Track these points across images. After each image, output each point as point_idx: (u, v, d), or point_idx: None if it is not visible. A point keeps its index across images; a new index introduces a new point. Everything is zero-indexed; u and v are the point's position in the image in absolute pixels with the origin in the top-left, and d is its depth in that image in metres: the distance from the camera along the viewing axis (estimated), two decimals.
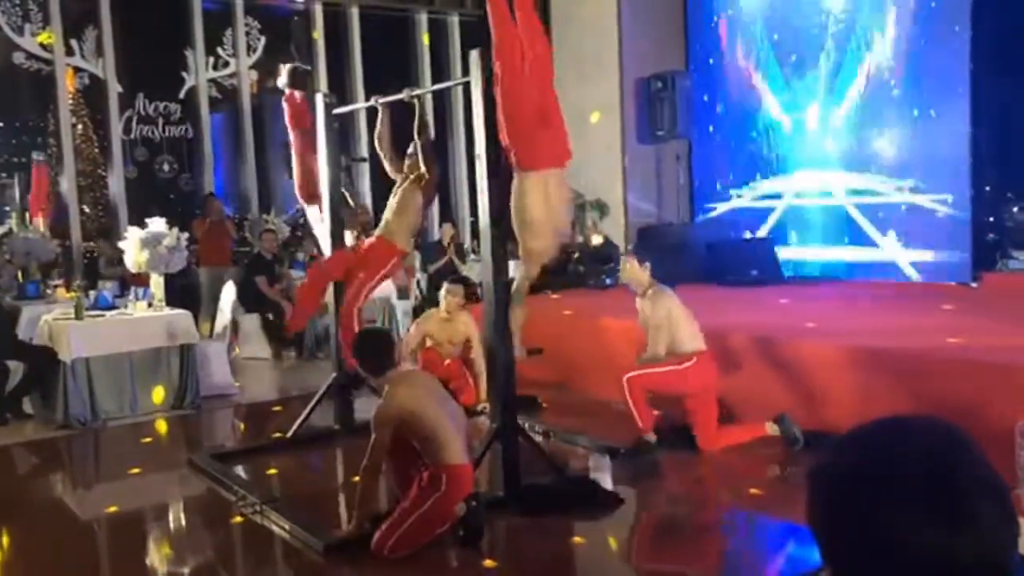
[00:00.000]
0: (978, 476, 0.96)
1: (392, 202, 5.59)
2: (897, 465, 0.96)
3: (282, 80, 5.94)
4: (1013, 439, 3.25)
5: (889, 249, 8.67)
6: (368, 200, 11.67)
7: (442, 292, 6.49)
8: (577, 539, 4.14)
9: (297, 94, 5.94)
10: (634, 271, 5.21)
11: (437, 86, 7.86)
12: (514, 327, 4.46)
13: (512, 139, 4.28)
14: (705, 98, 10.39)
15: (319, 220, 6.03)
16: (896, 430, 1.01)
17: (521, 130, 4.27)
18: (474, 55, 4.53)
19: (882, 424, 1.03)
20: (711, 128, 10.43)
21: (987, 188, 7.95)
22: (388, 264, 5.59)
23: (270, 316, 8.99)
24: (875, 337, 5.49)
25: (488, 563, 3.80)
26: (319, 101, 5.99)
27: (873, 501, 0.95)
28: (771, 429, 5.05)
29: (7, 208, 11.15)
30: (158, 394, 6.82)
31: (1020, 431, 1.63)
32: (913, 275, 8.45)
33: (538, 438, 5.36)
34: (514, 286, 4.54)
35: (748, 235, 9.93)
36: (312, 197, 6.00)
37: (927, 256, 8.36)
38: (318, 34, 11.67)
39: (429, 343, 6.53)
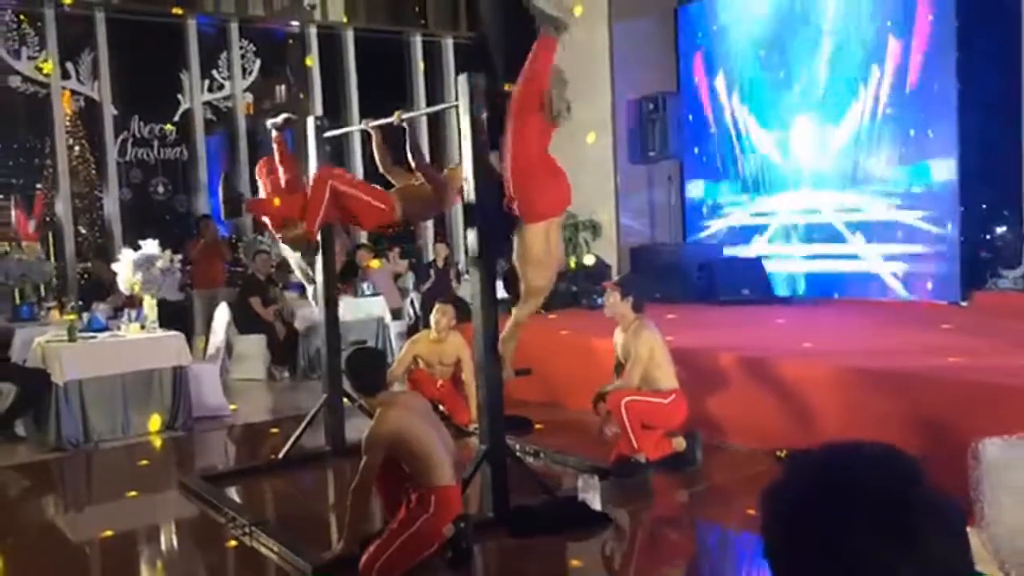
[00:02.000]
0: (927, 502, 0.98)
1: None
2: (849, 491, 0.98)
3: (274, 122, 6.03)
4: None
5: (879, 268, 8.72)
6: None
7: (432, 313, 6.52)
8: (567, 561, 4.15)
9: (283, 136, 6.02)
10: (616, 305, 5.26)
11: (427, 110, 7.93)
12: (505, 354, 4.52)
13: (517, 193, 4.35)
14: (694, 119, 10.46)
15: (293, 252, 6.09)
16: (847, 455, 1.03)
17: (526, 185, 4.35)
18: (462, 79, 4.58)
19: (834, 449, 1.05)
20: (703, 148, 10.50)
21: (977, 208, 8.00)
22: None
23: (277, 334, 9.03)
24: (865, 357, 5.51)
25: None
26: (310, 124, 6.04)
27: (824, 526, 0.97)
28: (678, 444, 5.20)
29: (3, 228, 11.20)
30: (151, 416, 6.82)
31: (972, 453, 1.67)
32: (903, 294, 8.49)
33: (529, 458, 5.39)
34: (513, 320, 4.59)
35: (739, 254, 9.98)
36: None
37: (917, 275, 8.41)
38: (312, 58, 11.76)
39: (421, 364, 6.55)
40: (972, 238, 8.00)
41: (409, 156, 5.35)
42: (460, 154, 4.76)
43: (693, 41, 10.54)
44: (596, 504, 4.45)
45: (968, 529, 1.03)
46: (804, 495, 1.01)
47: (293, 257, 6.15)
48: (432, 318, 6.50)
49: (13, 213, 11.40)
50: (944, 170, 8.05)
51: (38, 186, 10.91)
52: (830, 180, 9.14)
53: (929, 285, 8.29)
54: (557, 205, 4.54)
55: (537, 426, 6.35)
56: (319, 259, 5.90)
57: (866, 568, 0.94)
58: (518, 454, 4.93)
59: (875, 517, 0.95)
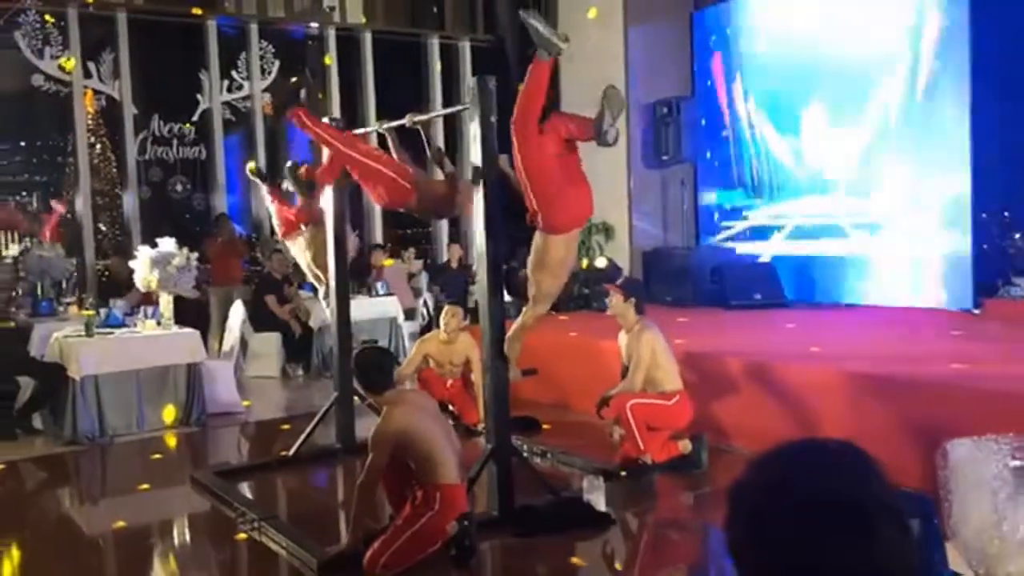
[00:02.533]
0: (882, 500, 1.01)
1: None
2: (808, 489, 1.01)
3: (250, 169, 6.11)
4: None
5: (891, 275, 8.70)
6: (378, 224, 11.82)
7: (442, 315, 6.58)
8: (570, 559, 4.19)
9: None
10: (619, 306, 5.31)
11: (440, 112, 7.98)
12: (511, 355, 4.57)
13: (540, 208, 4.39)
14: (708, 123, 10.47)
15: (303, 251, 6.16)
16: (808, 453, 1.07)
17: (548, 200, 4.38)
18: (474, 82, 4.63)
19: (795, 447, 1.08)
20: (716, 153, 10.51)
21: (990, 215, 7.97)
22: None
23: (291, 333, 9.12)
24: (873, 362, 5.52)
25: None
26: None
27: (783, 524, 1.00)
28: (684, 447, 5.25)
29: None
30: (165, 411, 6.92)
31: (940, 453, 1.70)
32: (916, 301, 8.47)
33: (535, 459, 5.44)
34: (520, 323, 4.63)
35: (752, 259, 9.98)
36: (292, 231, 6.14)
37: (929, 282, 8.39)
38: (331, 58, 11.85)
39: (431, 364, 6.61)
40: (985, 245, 7.97)
41: (430, 155, 5.40)
42: (468, 158, 4.81)
43: (708, 45, 10.55)
44: (601, 505, 4.50)
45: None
46: (765, 492, 1.04)
47: (304, 259, 6.23)
48: (441, 319, 6.56)
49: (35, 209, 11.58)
50: (957, 177, 8.02)
51: (53, 191, 11.07)
52: (843, 186, 9.13)
53: (941, 292, 8.26)
54: (581, 217, 4.58)
55: (544, 426, 6.40)
56: (331, 259, 5.98)
57: (825, 564, 0.97)
58: (524, 454, 4.98)
59: (833, 515, 0.98)
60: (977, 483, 1.64)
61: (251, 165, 6.23)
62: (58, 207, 10.00)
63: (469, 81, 4.63)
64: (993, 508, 1.61)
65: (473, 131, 4.53)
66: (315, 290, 9.06)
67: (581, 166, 4.53)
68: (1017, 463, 1.70)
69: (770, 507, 1.02)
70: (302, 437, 5.82)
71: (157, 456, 6.38)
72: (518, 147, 4.33)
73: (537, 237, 4.53)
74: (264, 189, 6.39)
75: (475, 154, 4.58)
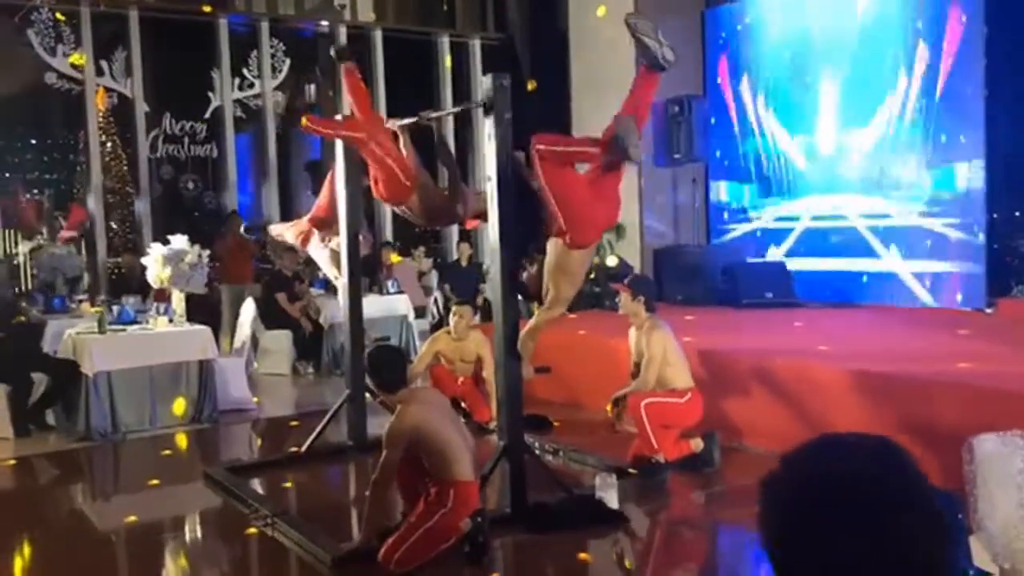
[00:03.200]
0: (917, 496, 1.01)
1: None
2: (843, 483, 1.01)
3: (338, 50, 6.00)
4: None
5: (904, 274, 8.67)
6: (388, 222, 11.84)
7: (451, 315, 6.58)
8: (582, 556, 4.19)
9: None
10: (628, 305, 5.31)
11: (452, 109, 8.03)
12: (524, 354, 4.57)
13: (570, 228, 4.40)
14: (720, 121, 10.45)
15: (320, 247, 6.15)
16: (842, 448, 1.06)
17: (581, 220, 4.40)
18: (487, 79, 4.63)
19: (829, 442, 1.07)
20: (728, 151, 10.49)
21: (1004, 214, 7.95)
22: None
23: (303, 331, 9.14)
24: (884, 361, 5.51)
25: None
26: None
27: (818, 518, 0.99)
28: (696, 445, 5.24)
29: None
30: (177, 408, 6.94)
31: (966, 448, 1.70)
32: (928, 300, 8.44)
33: (548, 456, 5.44)
34: (535, 323, 4.63)
35: (762, 257, 9.96)
36: (324, 225, 6.12)
37: (942, 281, 8.36)
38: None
39: (442, 362, 6.61)
40: (998, 245, 7.94)
41: (435, 143, 5.40)
42: (479, 156, 4.81)
43: (719, 43, 10.53)
44: (613, 503, 4.49)
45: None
46: (799, 487, 1.03)
47: (322, 258, 6.23)
48: (450, 319, 6.56)
49: (46, 207, 11.64)
50: (971, 176, 7.99)
51: (69, 191, 11.14)
52: (856, 185, 9.10)
53: (955, 292, 8.23)
54: (606, 228, 4.62)
55: (555, 424, 6.40)
56: (344, 257, 5.98)
57: (861, 559, 0.97)
58: (537, 452, 4.98)
59: (870, 509, 0.98)
60: (1003, 478, 1.64)
61: None
62: (79, 212, 10.08)
63: (483, 80, 4.62)
64: (1019, 503, 1.61)
65: (488, 129, 4.53)
66: (326, 286, 9.11)
67: (619, 185, 4.51)
68: None
69: (805, 502, 1.01)
70: (314, 434, 5.83)
71: (169, 452, 6.41)
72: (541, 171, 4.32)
73: (558, 245, 4.52)
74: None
75: (489, 152, 4.57)
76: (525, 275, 4.59)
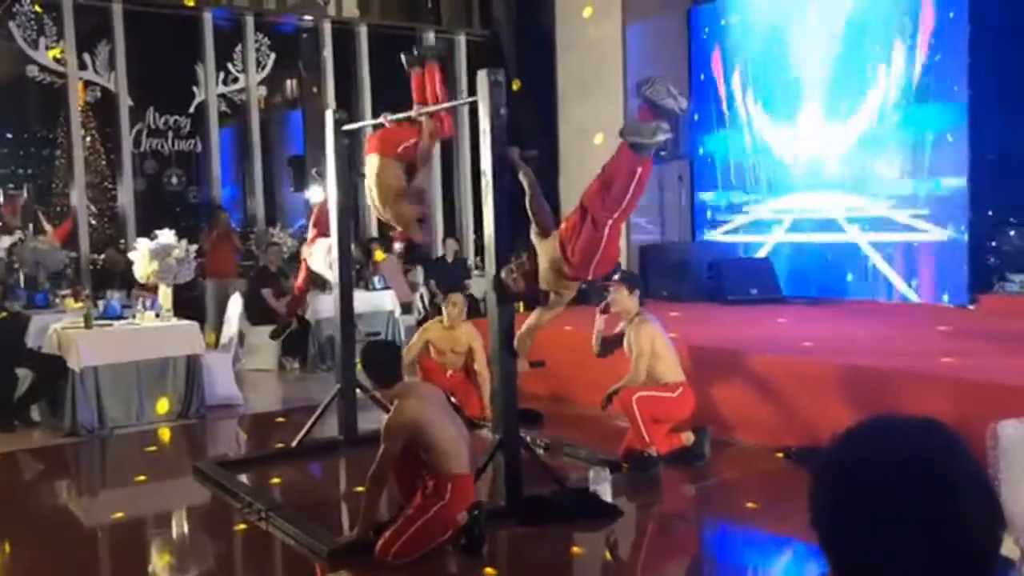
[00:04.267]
0: (970, 477, 1.02)
1: None
2: (893, 464, 1.01)
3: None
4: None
5: (887, 270, 8.77)
6: (373, 219, 11.80)
7: (444, 304, 6.61)
8: (576, 549, 4.22)
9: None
10: (623, 299, 5.34)
11: (445, 104, 8.03)
12: (520, 351, 4.60)
13: (579, 272, 4.54)
14: (706, 119, 10.51)
15: (325, 254, 6.11)
16: (894, 429, 1.07)
17: (590, 264, 4.51)
18: (481, 75, 4.64)
19: (879, 422, 1.08)
20: (714, 148, 10.55)
21: (985, 211, 8.05)
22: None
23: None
24: (871, 356, 5.58)
25: (489, 571, 3.88)
26: (328, 117, 6.11)
27: (869, 498, 1.00)
28: (687, 439, 5.30)
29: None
30: (164, 403, 6.90)
31: (991, 434, 1.73)
32: (911, 296, 8.54)
33: (540, 451, 5.46)
34: (534, 321, 4.66)
35: (748, 254, 10.04)
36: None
37: (925, 277, 8.46)
38: (326, 51, 11.82)
39: (432, 353, 6.62)
40: (980, 242, 8.04)
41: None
42: (464, 152, 4.82)
43: (706, 41, 10.59)
44: (607, 496, 4.52)
45: None
46: (852, 468, 1.04)
47: (323, 264, 6.20)
48: (444, 308, 6.58)
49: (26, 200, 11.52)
50: (954, 173, 8.09)
51: (51, 186, 11.04)
52: (840, 182, 9.19)
53: (938, 288, 8.34)
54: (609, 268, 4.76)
55: (544, 419, 6.42)
56: (335, 253, 5.97)
57: (915, 538, 0.98)
58: (531, 446, 5.00)
59: (922, 489, 0.99)
60: None
61: None
62: (69, 224, 10.04)
63: (480, 75, 4.63)
64: None
65: (483, 125, 4.53)
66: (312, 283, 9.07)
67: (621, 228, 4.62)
68: None
69: (858, 483, 1.02)
70: (305, 428, 5.82)
71: (156, 448, 6.37)
72: (580, 219, 4.39)
73: (551, 248, 4.54)
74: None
75: (484, 147, 4.58)
76: (504, 273, 4.57)
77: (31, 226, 10.06)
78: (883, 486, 1.00)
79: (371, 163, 5.34)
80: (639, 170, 4.34)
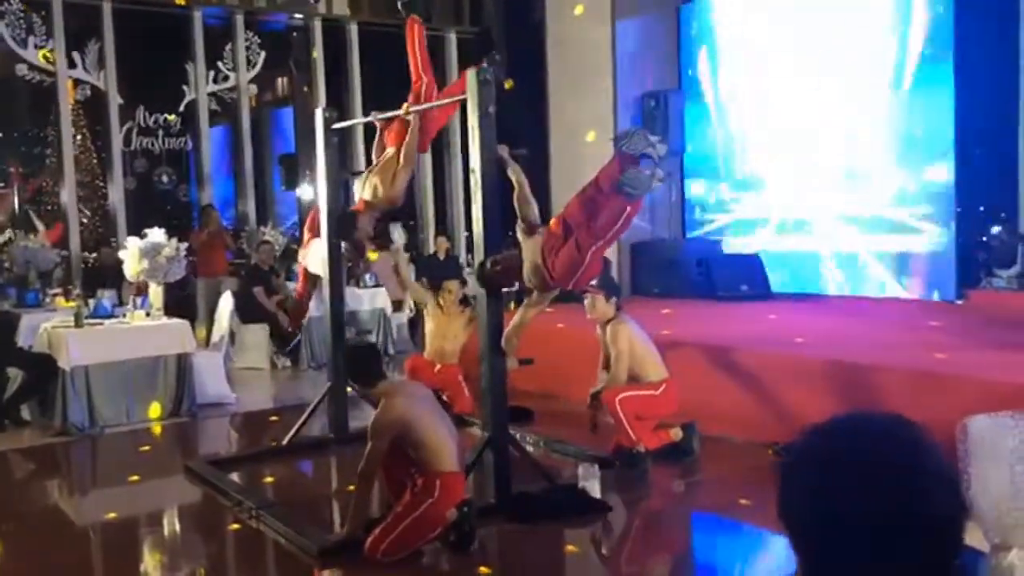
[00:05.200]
0: (936, 471, 1.04)
1: None
2: (857, 454, 1.04)
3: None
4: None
5: (876, 266, 8.82)
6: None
7: (442, 287, 6.64)
8: (566, 546, 4.25)
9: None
10: (600, 307, 5.37)
11: (436, 103, 8.04)
12: (508, 349, 4.62)
13: (562, 284, 4.59)
14: (696, 115, 10.54)
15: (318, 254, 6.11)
16: (858, 423, 1.10)
17: (567, 278, 4.56)
18: (471, 73, 4.65)
19: (846, 419, 1.11)
20: (703, 145, 10.58)
21: (973, 207, 8.10)
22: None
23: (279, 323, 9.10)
24: (857, 352, 5.61)
25: (483, 570, 3.90)
26: (319, 116, 6.12)
27: (835, 492, 1.03)
28: (675, 435, 5.32)
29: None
30: (155, 402, 6.90)
31: (960, 429, 1.77)
32: (899, 292, 8.59)
33: (529, 447, 5.48)
34: (520, 318, 4.68)
35: (738, 251, 10.07)
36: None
37: (913, 273, 8.51)
38: (317, 50, 11.82)
39: (426, 336, 6.64)
40: (968, 237, 8.09)
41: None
42: (455, 150, 4.83)
43: (695, 38, 10.62)
44: (595, 492, 4.55)
45: None
46: (818, 464, 1.06)
47: (319, 265, 6.22)
48: (440, 293, 6.61)
49: (16, 199, 11.50)
50: (941, 169, 8.14)
51: (42, 185, 11.02)
52: (828, 178, 9.23)
53: (926, 283, 8.39)
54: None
55: (535, 416, 6.44)
56: (325, 252, 5.99)
57: (880, 532, 1.00)
58: (520, 442, 5.02)
59: (888, 484, 1.01)
60: (994, 457, 1.70)
61: None
62: (59, 228, 10.04)
63: (470, 72, 4.65)
64: (1010, 480, 1.68)
65: (472, 123, 4.55)
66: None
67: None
68: None
69: (824, 477, 1.04)
70: (296, 426, 5.83)
71: (148, 447, 6.37)
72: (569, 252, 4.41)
73: (536, 245, 4.57)
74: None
75: (471, 145, 4.60)
76: (488, 263, 4.59)
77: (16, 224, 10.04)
78: (849, 480, 1.02)
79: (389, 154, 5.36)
80: (628, 209, 4.37)
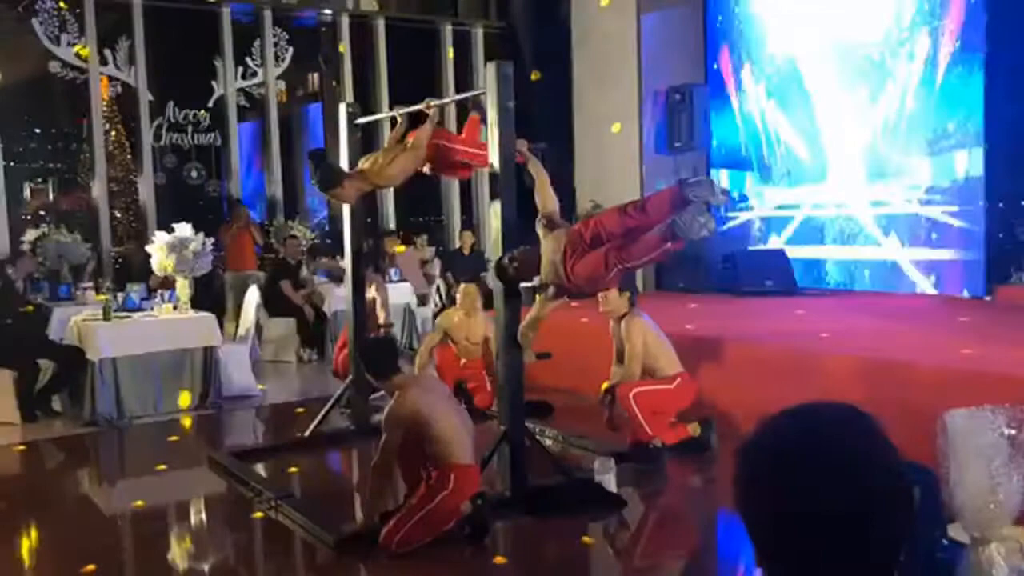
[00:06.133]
0: (877, 454, 1.06)
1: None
2: (808, 444, 1.06)
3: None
4: None
5: (903, 261, 8.72)
6: (391, 211, 11.90)
7: (459, 290, 6.67)
8: (581, 539, 4.26)
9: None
10: (614, 301, 5.35)
11: (455, 97, 8.01)
12: (525, 342, 4.63)
13: (574, 285, 4.58)
14: (721, 109, 10.47)
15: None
16: (811, 414, 1.12)
17: (586, 284, 4.58)
18: (491, 68, 4.66)
19: (800, 411, 1.13)
20: (729, 139, 10.52)
21: (1003, 202, 7.98)
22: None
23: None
24: (883, 349, 5.56)
25: (499, 559, 3.94)
26: (342, 111, 6.17)
27: (786, 475, 1.05)
28: (693, 430, 5.30)
29: (42, 212, 11.50)
30: (182, 394, 7.01)
31: (939, 424, 1.78)
32: (928, 288, 8.49)
33: (548, 441, 5.50)
34: (537, 312, 4.69)
35: (763, 246, 10.01)
36: None
37: (941, 269, 8.40)
38: (344, 45, 11.90)
39: (449, 340, 6.68)
40: (997, 232, 7.97)
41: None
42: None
43: (721, 32, 10.55)
44: (612, 486, 4.56)
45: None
46: (768, 452, 1.09)
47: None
48: (457, 297, 6.65)
49: (52, 195, 11.71)
50: (971, 164, 8.03)
51: (78, 180, 11.19)
52: (856, 173, 9.13)
53: (954, 279, 8.27)
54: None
55: (554, 410, 6.46)
56: (347, 246, 6.05)
57: (822, 517, 1.02)
58: (537, 436, 5.04)
59: (835, 474, 1.03)
60: (973, 451, 1.71)
61: None
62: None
63: (489, 67, 4.66)
64: (988, 474, 1.68)
65: (491, 117, 4.57)
66: (330, 276, 9.19)
67: None
68: (1011, 432, 1.77)
69: (773, 465, 1.06)
70: (317, 418, 5.91)
71: (174, 438, 6.48)
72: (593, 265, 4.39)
73: (557, 240, 4.57)
74: None
75: (491, 139, 4.62)
76: (506, 259, 4.60)
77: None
78: (795, 467, 1.04)
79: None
80: (669, 245, 4.28)
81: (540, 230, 4.75)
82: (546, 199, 4.82)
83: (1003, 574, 1.61)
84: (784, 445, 1.08)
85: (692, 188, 4.15)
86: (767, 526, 1.07)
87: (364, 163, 5.44)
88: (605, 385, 5.34)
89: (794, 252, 9.52)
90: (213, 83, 11.28)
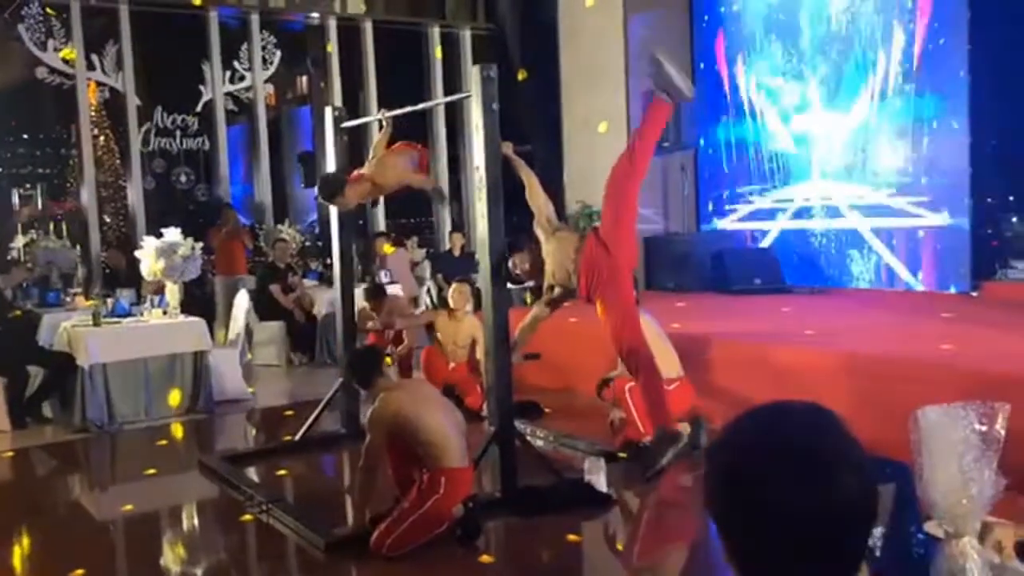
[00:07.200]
0: (841, 452, 1.08)
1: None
2: (775, 443, 1.09)
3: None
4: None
5: (890, 258, 8.77)
6: (381, 207, 11.90)
7: (450, 291, 6.69)
8: (571, 538, 4.28)
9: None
10: None
11: (442, 99, 8.06)
12: (519, 343, 4.66)
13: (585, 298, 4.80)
14: (709, 108, 10.51)
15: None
16: (777, 414, 1.14)
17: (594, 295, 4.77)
18: (475, 70, 4.68)
19: (765, 409, 1.16)
20: (717, 138, 10.56)
21: (987, 198, 8.03)
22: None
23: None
24: (869, 345, 5.60)
25: (485, 558, 3.95)
26: (328, 114, 6.18)
27: (753, 473, 1.07)
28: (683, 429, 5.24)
29: (31, 219, 11.49)
30: (173, 399, 7.01)
31: (913, 420, 1.81)
32: (913, 284, 8.54)
33: (538, 442, 5.52)
34: (535, 314, 4.73)
35: (752, 244, 10.05)
36: None
37: (928, 265, 8.45)
38: (332, 48, 11.91)
39: (436, 341, 6.69)
40: (983, 228, 8.03)
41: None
42: (470, 146, 4.86)
43: (708, 30, 10.59)
44: (602, 486, 4.58)
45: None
46: (734, 449, 1.11)
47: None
48: (449, 295, 6.66)
49: (40, 202, 11.69)
50: (956, 159, 8.08)
51: (67, 186, 11.16)
52: (843, 169, 9.18)
53: (941, 275, 8.33)
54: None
55: (546, 411, 6.48)
56: (335, 247, 6.06)
57: (786, 512, 1.05)
58: (527, 437, 5.06)
59: (799, 469, 1.06)
60: (945, 447, 1.74)
61: None
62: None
63: (473, 70, 4.68)
64: (960, 470, 1.72)
65: (476, 120, 4.59)
66: (320, 277, 9.21)
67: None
68: (983, 428, 1.80)
69: (738, 462, 1.09)
70: (308, 422, 5.91)
71: (165, 443, 6.48)
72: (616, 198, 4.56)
73: (562, 242, 4.61)
74: None
75: (476, 142, 4.64)
76: (511, 263, 4.65)
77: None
78: (763, 468, 1.07)
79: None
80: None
81: (540, 232, 4.78)
82: (540, 202, 4.85)
83: (977, 567, 1.64)
84: (750, 445, 1.10)
85: (657, 79, 4.39)
86: (735, 524, 1.09)
87: (367, 168, 5.47)
88: (603, 377, 5.34)
89: (782, 250, 9.56)
90: (201, 87, 11.27)
